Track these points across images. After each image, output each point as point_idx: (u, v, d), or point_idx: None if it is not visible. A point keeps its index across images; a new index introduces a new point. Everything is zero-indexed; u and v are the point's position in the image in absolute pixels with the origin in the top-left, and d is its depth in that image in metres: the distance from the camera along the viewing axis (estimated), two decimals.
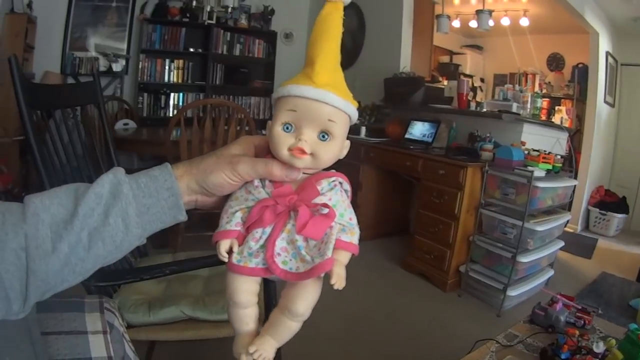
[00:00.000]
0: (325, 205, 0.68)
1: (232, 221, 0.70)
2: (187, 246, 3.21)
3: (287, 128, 0.67)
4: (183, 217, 0.75)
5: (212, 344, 1.76)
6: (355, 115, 0.70)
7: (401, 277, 3.94)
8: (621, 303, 3.66)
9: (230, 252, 0.70)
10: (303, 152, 0.66)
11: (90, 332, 1.09)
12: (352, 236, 0.70)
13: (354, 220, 0.71)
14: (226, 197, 0.76)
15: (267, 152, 0.73)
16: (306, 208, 0.67)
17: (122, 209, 0.69)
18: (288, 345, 1.67)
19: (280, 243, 0.68)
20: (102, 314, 1.14)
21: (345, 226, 0.70)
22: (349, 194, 0.73)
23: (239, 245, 0.70)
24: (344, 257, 0.68)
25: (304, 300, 0.69)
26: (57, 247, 0.65)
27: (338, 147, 0.69)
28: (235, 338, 0.75)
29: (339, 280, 0.65)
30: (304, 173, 0.71)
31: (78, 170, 1.83)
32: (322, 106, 0.65)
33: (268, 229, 0.69)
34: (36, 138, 1.52)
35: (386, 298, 3.53)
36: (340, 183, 0.72)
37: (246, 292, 0.71)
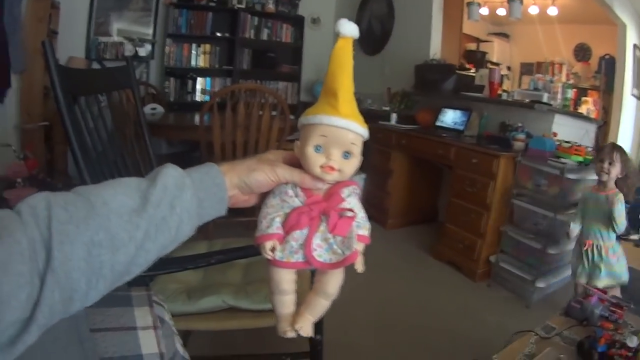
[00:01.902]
0: (349, 210, 0.81)
1: (273, 225, 0.80)
2: (218, 233, 3.22)
3: (318, 149, 0.78)
4: (224, 212, 0.83)
5: (246, 331, 1.77)
6: (367, 136, 0.82)
7: (431, 265, 3.95)
8: None
9: (272, 250, 0.79)
10: (332, 169, 0.78)
11: (140, 328, 1.06)
12: (366, 230, 0.84)
13: (366, 218, 0.85)
14: (255, 198, 0.87)
15: (290, 164, 0.84)
16: (335, 212, 0.80)
17: (186, 200, 0.73)
18: (326, 333, 1.70)
19: (315, 241, 0.80)
20: (151, 307, 1.12)
21: (360, 223, 0.83)
22: (359, 195, 0.86)
23: (280, 245, 0.80)
24: (361, 247, 0.82)
25: (335, 283, 0.83)
26: (132, 235, 0.66)
27: (357, 163, 0.81)
28: (279, 320, 0.85)
29: (360, 266, 0.81)
30: (327, 184, 0.82)
31: (104, 155, 1.82)
32: (347, 133, 0.78)
33: (305, 231, 0.79)
34: (72, 122, 1.51)
35: (417, 286, 3.53)
36: (355, 189, 0.84)
37: (288, 281, 0.83)
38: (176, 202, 0.72)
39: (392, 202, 4.68)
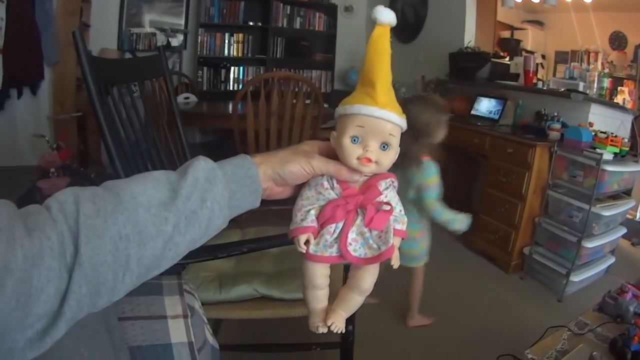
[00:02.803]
0: (387, 203, 0.80)
1: (307, 218, 0.79)
2: (251, 221, 3.24)
3: (355, 140, 0.77)
4: (258, 204, 0.83)
5: (277, 320, 1.77)
6: (405, 127, 0.80)
7: (464, 255, 3.93)
8: None
9: (306, 243, 0.79)
10: (370, 160, 0.76)
11: (170, 317, 1.06)
12: (403, 225, 0.82)
13: (403, 211, 0.83)
14: (290, 190, 0.87)
15: (326, 155, 0.83)
16: (372, 206, 0.79)
17: (218, 193, 0.73)
18: (358, 324, 1.70)
19: (351, 235, 0.78)
20: (181, 296, 1.12)
21: (397, 217, 0.82)
22: (397, 189, 0.84)
23: (314, 239, 0.79)
24: (397, 242, 0.80)
25: (370, 278, 0.82)
26: (161, 229, 0.66)
27: (394, 155, 0.80)
28: (311, 314, 0.86)
29: (396, 262, 0.80)
30: (364, 176, 0.80)
31: (137, 145, 1.83)
32: (385, 123, 0.76)
33: (340, 224, 0.78)
34: (103, 111, 1.53)
35: (449, 276, 3.52)
36: (392, 182, 0.82)
37: (322, 276, 0.83)
38: (207, 195, 0.72)
39: None
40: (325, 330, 0.84)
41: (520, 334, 2.55)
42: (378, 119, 0.75)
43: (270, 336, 2.50)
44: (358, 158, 0.76)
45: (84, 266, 0.58)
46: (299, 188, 0.84)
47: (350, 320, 1.86)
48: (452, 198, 4.86)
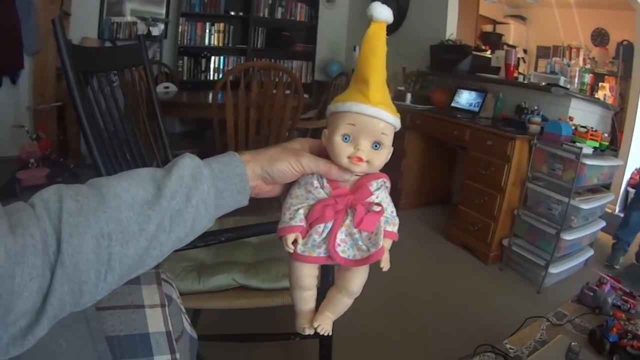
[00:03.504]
0: (377, 204, 0.79)
1: (296, 217, 0.78)
2: (230, 212, 3.22)
3: (346, 139, 0.75)
4: (246, 202, 0.82)
5: (256, 310, 1.75)
6: (399, 126, 0.79)
7: (443, 247, 3.94)
8: None
9: (294, 243, 0.77)
10: (361, 160, 0.75)
11: (148, 306, 1.03)
12: (394, 226, 0.82)
13: (395, 213, 0.83)
14: (280, 188, 0.86)
15: (316, 153, 0.82)
16: (362, 206, 0.77)
17: (204, 191, 0.73)
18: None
19: (340, 236, 0.77)
20: (159, 285, 1.09)
21: (389, 218, 0.81)
22: (389, 190, 0.83)
23: (302, 238, 0.77)
24: (388, 244, 0.80)
25: (359, 280, 0.82)
26: (144, 228, 0.65)
27: (387, 154, 0.78)
28: (297, 315, 0.85)
29: (386, 265, 0.79)
30: (355, 175, 0.79)
31: (116, 135, 1.82)
32: (378, 122, 0.75)
33: (329, 224, 0.77)
34: (82, 100, 1.51)
35: (428, 268, 3.54)
36: (384, 182, 0.81)
37: (309, 276, 0.82)
38: (192, 193, 0.71)
39: (405, 182, 4.67)
40: (311, 332, 0.83)
41: (499, 325, 2.56)
42: (370, 117, 0.74)
43: (249, 326, 2.48)
44: (349, 157, 0.75)
45: (66, 264, 0.58)
46: (288, 186, 0.83)
47: None
48: (432, 189, 4.91)
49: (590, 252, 3.64)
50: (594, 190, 3.44)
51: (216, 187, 0.75)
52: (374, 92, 0.73)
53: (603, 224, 3.61)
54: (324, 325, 0.82)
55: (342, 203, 0.77)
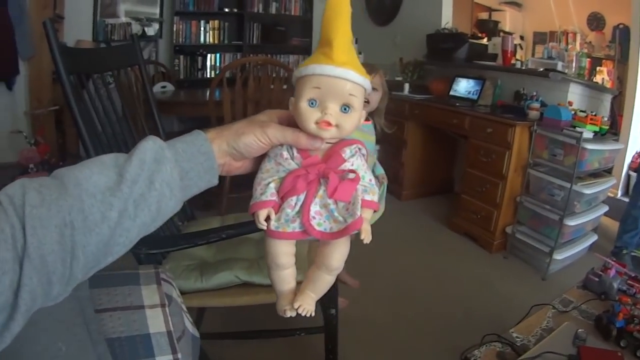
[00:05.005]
0: (351, 171, 0.75)
1: (267, 192, 0.75)
2: (232, 207, 3.21)
3: (312, 103, 0.73)
4: (216, 181, 0.79)
5: (261, 306, 1.74)
6: (369, 87, 0.76)
7: (447, 236, 3.93)
8: None
9: (267, 220, 0.75)
10: (329, 124, 0.72)
11: (148, 306, 1.04)
12: (373, 195, 0.77)
13: (373, 181, 0.79)
14: (250, 163, 0.84)
15: (287, 124, 0.79)
16: (335, 175, 0.74)
17: (167, 173, 0.70)
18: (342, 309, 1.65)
19: (314, 207, 0.74)
20: (159, 285, 1.10)
21: (367, 187, 0.77)
22: (366, 157, 0.80)
23: (276, 214, 0.75)
24: (368, 214, 0.75)
25: (339, 255, 0.77)
26: (106, 215, 0.64)
27: (358, 117, 0.75)
28: (278, 297, 0.82)
29: (367, 236, 0.72)
30: (327, 143, 0.77)
31: (114, 137, 1.81)
32: (344, 83, 0.72)
33: (302, 196, 0.75)
34: (77, 102, 1.50)
35: (433, 257, 3.52)
36: (359, 149, 0.78)
37: (286, 254, 0.78)
38: (155, 176, 0.69)
39: (406, 173, 4.66)
40: (293, 314, 0.79)
41: (505, 313, 2.55)
42: (335, 78, 0.71)
43: (254, 323, 2.48)
44: (316, 122, 0.73)
45: (32, 257, 0.57)
46: (259, 162, 0.81)
47: (333, 304, 1.85)
48: (434, 179, 4.90)
49: (594, 237, 3.61)
50: (596, 174, 3.41)
51: (180, 168, 0.73)
52: (338, 53, 0.71)
53: (606, 208, 3.58)
54: (306, 306, 0.78)
55: (314, 172, 0.74)
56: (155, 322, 1.03)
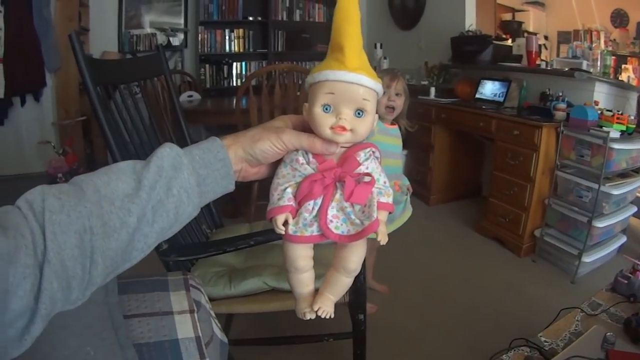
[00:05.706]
0: (367, 174, 0.77)
1: (284, 197, 0.76)
2: (260, 215, 3.24)
3: (327, 109, 0.74)
4: (232, 187, 0.80)
5: (288, 312, 1.76)
6: (381, 91, 0.77)
7: (476, 241, 3.91)
8: None
9: (285, 224, 0.76)
10: (344, 129, 0.73)
11: (176, 312, 1.06)
12: (388, 197, 0.79)
13: (387, 183, 0.80)
14: (267, 169, 0.84)
15: (301, 129, 0.80)
16: (351, 178, 0.75)
17: (184, 179, 0.72)
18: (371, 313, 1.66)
19: (331, 211, 0.75)
20: (187, 291, 1.12)
21: (382, 189, 0.78)
22: (380, 159, 0.81)
23: (293, 218, 0.76)
24: (384, 216, 0.77)
25: (356, 257, 0.78)
26: (125, 221, 0.65)
27: (371, 121, 0.77)
28: (297, 300, 0.83)
29: (383, 237, 0.74)
30: (341, 147, 0.77)
31: (141, 146, 1.84)
32: (357, 88, 0.73)
33: (319, 200, 0.76)
34: (104, 112, 1.52)
35: (462, 262, 3.51)
36: (373, 152, 0.79)
37: (304, 257, 0.79)
38: (173, 183, 0.70)
39: (434, 177, 4.65)
40: (313, 316, 0.80)
41: (534, 317, 2.54)
42: (349, 84, 0.72)
43: (282, 329, 2.50)
44: (331, 127, 0.74)
45: (52, 262, 0.58)
46: (275, 167, 0.82)
47: (361, 309, 1.86)
48: (461, 183, 4.89)
49: (623, 239, 3.57)
50: (624, 175, 3.37)
51: (197, 174, 0.74)
52: (350, 58, 0.72)
53: (635, 209, 3.53)
54: (325, 307, 0.79)
55: (330, 177, 0.75)
56: (184, 328, 1.05)
